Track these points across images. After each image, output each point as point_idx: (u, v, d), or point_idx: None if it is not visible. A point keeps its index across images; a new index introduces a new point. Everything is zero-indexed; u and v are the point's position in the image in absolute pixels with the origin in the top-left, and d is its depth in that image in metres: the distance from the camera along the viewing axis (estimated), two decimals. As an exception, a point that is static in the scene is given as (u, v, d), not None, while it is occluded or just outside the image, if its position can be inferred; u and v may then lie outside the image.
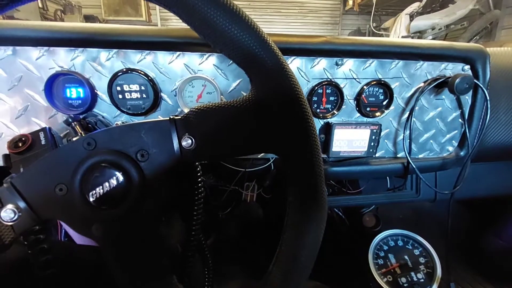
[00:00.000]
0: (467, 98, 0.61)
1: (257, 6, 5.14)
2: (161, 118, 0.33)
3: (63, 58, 0.47)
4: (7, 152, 0.41)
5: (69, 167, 0.30)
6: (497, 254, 1.05)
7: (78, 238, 0.50)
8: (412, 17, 3.20)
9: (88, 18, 4.54)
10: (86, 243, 0.49)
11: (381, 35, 3.90)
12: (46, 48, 0.46)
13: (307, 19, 5.32)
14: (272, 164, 0.60)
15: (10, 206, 0.29)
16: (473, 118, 0.62)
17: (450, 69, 0.58)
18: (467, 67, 0.58)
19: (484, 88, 0.58)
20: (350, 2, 4.84)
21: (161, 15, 5.02)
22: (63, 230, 0.57)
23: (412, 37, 3.16)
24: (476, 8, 3.06)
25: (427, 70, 0.57)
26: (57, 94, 0.48)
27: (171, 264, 0.35)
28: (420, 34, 3.17)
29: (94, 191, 0.30)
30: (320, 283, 0.65)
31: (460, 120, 0.62)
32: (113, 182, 0.30)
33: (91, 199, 0.30)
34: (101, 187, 0.30)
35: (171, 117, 0.32)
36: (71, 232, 0.51)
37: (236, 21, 0.28)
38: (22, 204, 0.29)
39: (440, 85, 0.57)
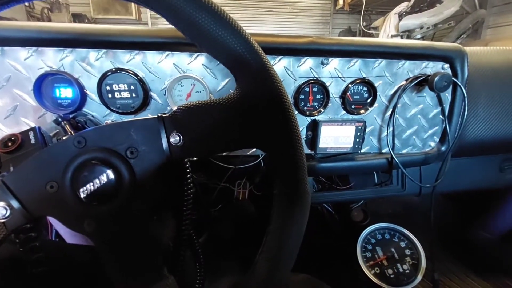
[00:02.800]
0: (447, 95, 0.63)
1: (248, 5, 5.14)
2: (150, 116, 0.34)
3: (52, 58, 0.47)
4: (-4, 151, 0.41)
5: (60, 165, 0.31)
6: (481, 245, 1.09)
7: (69, 238, 0.51)
8: (401, 16, 3.26)
9: (76, 17, 4.46)
10: (76, 242, 0.50)
11: (371, 34, 3.96)
12: (34, 48, 0.46)
13: (298, 18, 5.35)
14: (261, 161, 0.62)
15: (1, 203, 0.29)
16: (453, 115, 0.64)
17: (430, 67, 0.61)
18: (446, 65, 0.61)
19: (462, 86, 0.61)
20: (341, 2, 4.89)
21: (152, 13, 4.97)
22: (54, 230, 0.57)
23: (401, 36, 3.22)
24: (463, 7, 3.13)
25: (409, 68, 0.60)
26: (46, 94, 0.48)
27: (163, 259, 0.36)
28: (409, 33, 3.23)
29: (84, 188, 0.31)
30: (309, 275, 0.67)
31: (440, 116, 0.65)
32: (103, 178, 0.31)
33: (82, 196, 0.31)
34: (91, 183, 0.31)
35: (159, 115, 0.33)
36: (62, 231, 0.51)
37: (221, 23, 0.29)
38: (13, 202, 0.30)
39: (421, 83, 0.60)
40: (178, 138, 0.33)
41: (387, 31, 3.35)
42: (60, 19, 4.13)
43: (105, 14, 4.69)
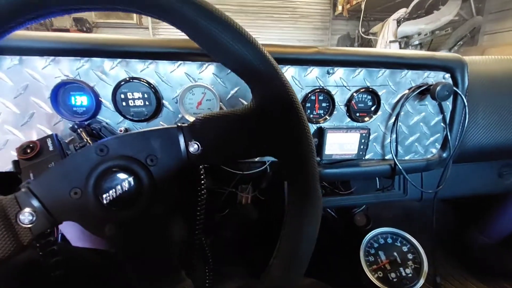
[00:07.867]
0: (448, 104, 0.65)
1: (249, 11, 5.19)
2: (167, 126, 0.35)
3: (69, 67, 0.49)
4: (13, 157, 0.43)
5: (83, 172, 0.32)
6: (481, 249, 1.11)
7: (75, 242, 0.52)
8: (399, 22, 3.31)
9: (77, 21, 4.48)
10: (83, 246, 0.51)
11: (369, 40, 4.01)
12: (52, 57, 0.48)
13: (298, 24, 5.41)
14: (268, 167, 0.63)
15: (27, 209, 0.30)
16: (453, 122, 0.66)
17: (432, 77, 0.63)
18: (447, 75, 0.63)
19: (462, 95, 0.63)
20: (340, 8, 4.96)
21: (152, 18, 5.00)
22: (60, 234, 0.58)
23: (400, 42, 3.27)
24: (460, 14, 3.18)
25: (411, 78, 0.62)
26: (62, 102, 0.50)
27: (178, 262, 0.37)
28: (407, 39, 3.28)
29: (107, 194, 0.32)
30: (315, 279, 0.68)
31: (442, 124, 0.67)
32: (125, 185, 0.33)
33: (104, 202, 0.32)
34: (113, 190, 0.32)
35: (178, 124, 0.35)
36: (69, 236, 0.52)
37: (238, 38, 0.31)
38: (39, 207, 0.31)
39: (423, 92, 0.62)
40: (196, 146, 0.34)
41: (386, 37, 3.40)
42: (61, 23, 4.16)
43: (106, 18, 4.73)
